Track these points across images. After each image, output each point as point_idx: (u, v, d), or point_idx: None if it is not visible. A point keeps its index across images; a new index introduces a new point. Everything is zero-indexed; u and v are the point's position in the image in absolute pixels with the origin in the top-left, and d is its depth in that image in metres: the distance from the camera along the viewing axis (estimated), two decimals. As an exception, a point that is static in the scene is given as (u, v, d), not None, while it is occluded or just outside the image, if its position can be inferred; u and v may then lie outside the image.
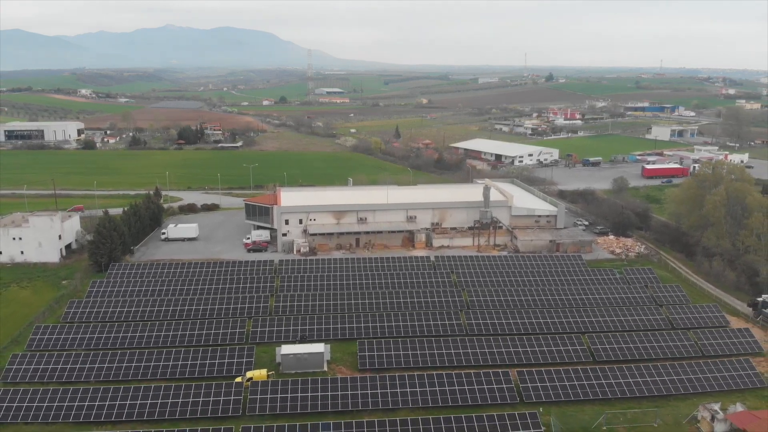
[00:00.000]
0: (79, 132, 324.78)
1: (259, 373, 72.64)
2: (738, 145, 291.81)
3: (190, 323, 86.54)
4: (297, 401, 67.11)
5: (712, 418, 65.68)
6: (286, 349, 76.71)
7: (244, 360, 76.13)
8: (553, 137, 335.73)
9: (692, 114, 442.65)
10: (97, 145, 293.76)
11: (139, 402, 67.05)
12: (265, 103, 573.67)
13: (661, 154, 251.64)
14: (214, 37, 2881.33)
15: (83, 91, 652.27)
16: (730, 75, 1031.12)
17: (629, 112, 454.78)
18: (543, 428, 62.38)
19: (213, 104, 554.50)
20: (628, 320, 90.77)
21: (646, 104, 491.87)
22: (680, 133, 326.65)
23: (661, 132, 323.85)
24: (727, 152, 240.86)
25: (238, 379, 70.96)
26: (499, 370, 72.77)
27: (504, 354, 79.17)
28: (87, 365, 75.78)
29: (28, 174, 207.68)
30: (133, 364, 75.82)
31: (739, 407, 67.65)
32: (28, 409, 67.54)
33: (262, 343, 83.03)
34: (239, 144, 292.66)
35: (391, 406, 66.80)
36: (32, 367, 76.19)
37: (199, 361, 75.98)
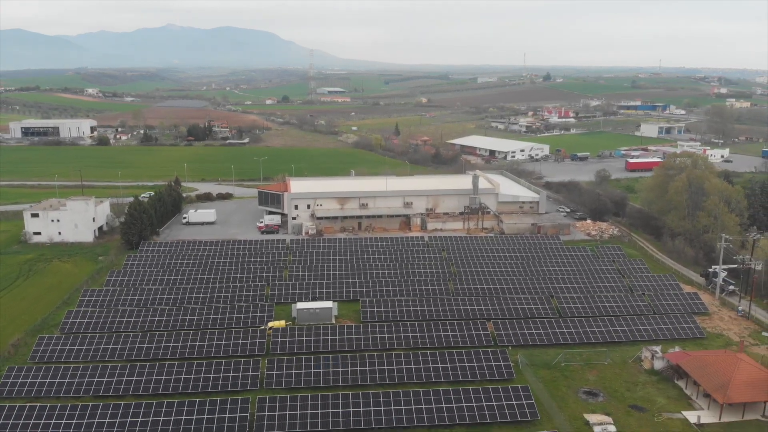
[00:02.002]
0: (92, 129, 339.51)
1: (279, 323, 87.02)
2: (722, 141, 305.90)
3: (218, 287, 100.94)
4: (311, 343, 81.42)
5: (653, 357, 79.81)
6: (301, 305, 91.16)
7: (266, 314, 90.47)
8: (546, 134, 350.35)
9: (683, 112, 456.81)
10: (111, 141, 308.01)
11: (180, 344, 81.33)
12: (268, 102, 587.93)
13: (645, 150, 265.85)
14: (215, 36, 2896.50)
15: (90, 90, 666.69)
16: (729, 75, 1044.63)
17: (622, 111, 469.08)
18: (511, 363, 76.56)
19: (217, 103, 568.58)
20: (593, 286, 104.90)
21: (638, 103, 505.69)
22: (668, 131, 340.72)
23: (649, 129, 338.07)
24: (706, 147, 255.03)
25: (262, 328, 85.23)
26: (478, 321, 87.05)
27: (483, 311, 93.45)
28: (133, 318, 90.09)
29: (50, 167, 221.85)
30: (172, 318, 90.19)
31: (677, 349, 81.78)
32: (87, 351, 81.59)
33: (280, 303, 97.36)
34: (246, 140, 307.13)
35: (388, 347, 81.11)
36: (85, 320, 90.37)
37: (227, 315, 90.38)
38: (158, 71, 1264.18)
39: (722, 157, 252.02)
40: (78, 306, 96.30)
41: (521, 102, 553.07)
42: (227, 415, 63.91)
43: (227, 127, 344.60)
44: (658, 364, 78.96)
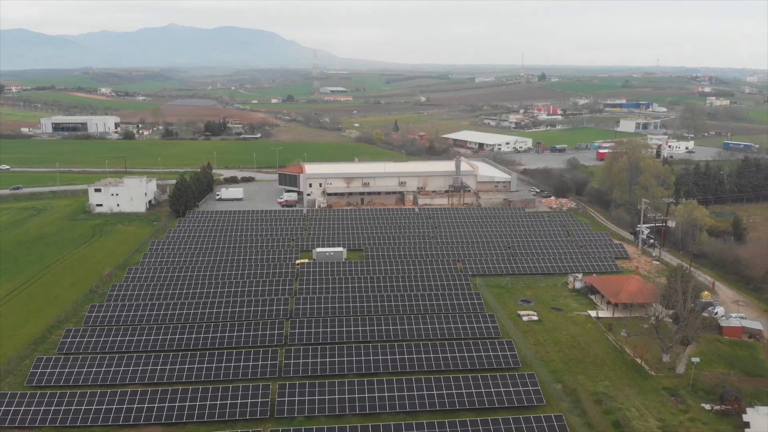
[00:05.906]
0: (116, 125, 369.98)
1: (304, 260, 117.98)
2: (692, 135, 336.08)
3: (256, 238, 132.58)
4: (328, 273, 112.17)
5: (575, 280, 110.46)
6: (319, 249, 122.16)
7: (293, 255, 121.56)
8: (533, 130, 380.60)
9: (664, 110, 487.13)
10: (135, 136, 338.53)
11: (233, 272, 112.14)
12: (274, 101, 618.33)
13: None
14: (218, 36, 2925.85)
15: (103, 90, 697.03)
16: (726, 74, 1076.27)
17: (607, 109, 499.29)
18: (471, 284, 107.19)
19: (225, 102, 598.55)
20: (544, 241, 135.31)
21: (623, 101, 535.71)
22: (644, 126, 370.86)
23: (627, 125, 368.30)
24: (668, 139, 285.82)
25: (292, 262, 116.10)
26: (451, 261, 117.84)
27: (455, 254, 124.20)
28: (194, 257, 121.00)
29: (86, 157, 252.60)
30: (223, 258, 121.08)
31: (594, 276, 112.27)
32: (164, 280, 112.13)
33: (303, 250, 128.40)
34: (258, 135, 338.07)
35: (383, 275, 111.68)
36: (158, 259, 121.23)
37: (266, 256, 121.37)
38: (162, 71, 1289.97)
39: (686, 148, 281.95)
40: (149, 249, 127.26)
41: (515, 101, 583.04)
42: (273, 307, 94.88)
43: (240, 124, 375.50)
44: (578, 285, 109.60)
